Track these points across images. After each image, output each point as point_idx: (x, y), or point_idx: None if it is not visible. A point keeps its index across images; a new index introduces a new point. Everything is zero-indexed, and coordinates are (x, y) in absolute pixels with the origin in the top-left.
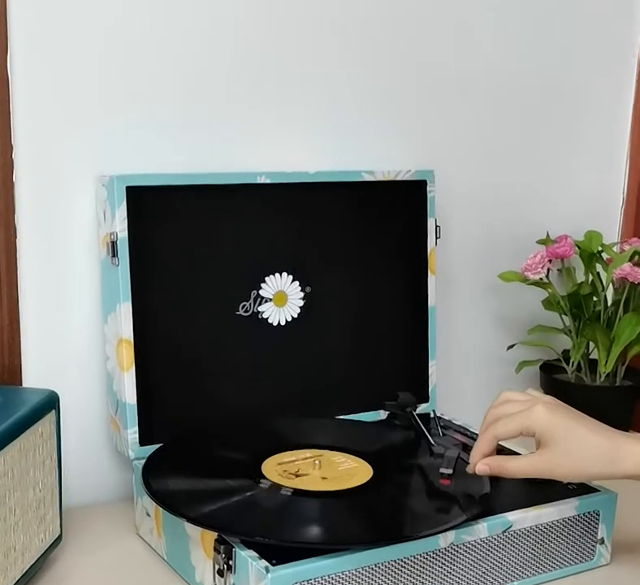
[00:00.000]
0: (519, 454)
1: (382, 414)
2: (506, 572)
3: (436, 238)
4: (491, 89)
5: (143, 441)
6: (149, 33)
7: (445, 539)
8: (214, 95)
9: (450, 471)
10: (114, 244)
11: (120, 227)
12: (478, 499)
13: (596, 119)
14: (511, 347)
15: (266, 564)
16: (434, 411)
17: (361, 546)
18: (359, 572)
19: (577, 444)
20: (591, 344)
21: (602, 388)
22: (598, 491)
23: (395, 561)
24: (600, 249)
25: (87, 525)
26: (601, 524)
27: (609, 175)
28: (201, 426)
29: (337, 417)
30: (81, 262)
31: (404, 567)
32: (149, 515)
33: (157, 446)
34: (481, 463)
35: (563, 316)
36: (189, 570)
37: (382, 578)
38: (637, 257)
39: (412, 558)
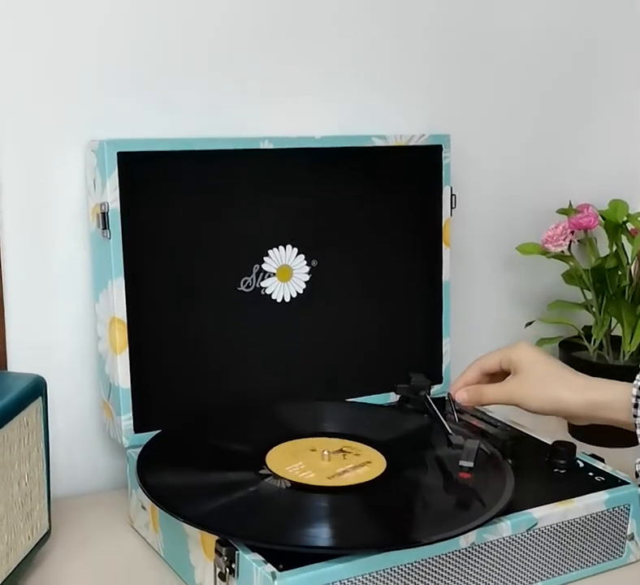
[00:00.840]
0: None
1: (393, 396)
2: (530, 572)
3: (451, 208)
4: (512, 53)
5: (138, 428)
6: None
7: (466, 540)
8: (214, 54)
9: (471, 464)
10: (104, 215)
11: (111, 196)
12: (501, 494)
13: (619, 85)
14: (529, 324)
15: (273, 569)
16: (449, 394)
17: (374, 550)
18: (372, 576)
19: (549, 373)
20: (614, 321)
21: (626, 368)
22: (627, 483)
23: (411, 563)
24: (625, 219)
25: (78, 518)
26: (631, 519)
27: (632, 141)
28: (201, 412)
29: (346, 399)
30: (70, 235)
31: (422, 570)
32: (144, 509)
33: (153, 433)
34: (461, 391)
35: (585, 291)
36: (188, 570)
37: (399, 582)
38: None
39: (431, 560)
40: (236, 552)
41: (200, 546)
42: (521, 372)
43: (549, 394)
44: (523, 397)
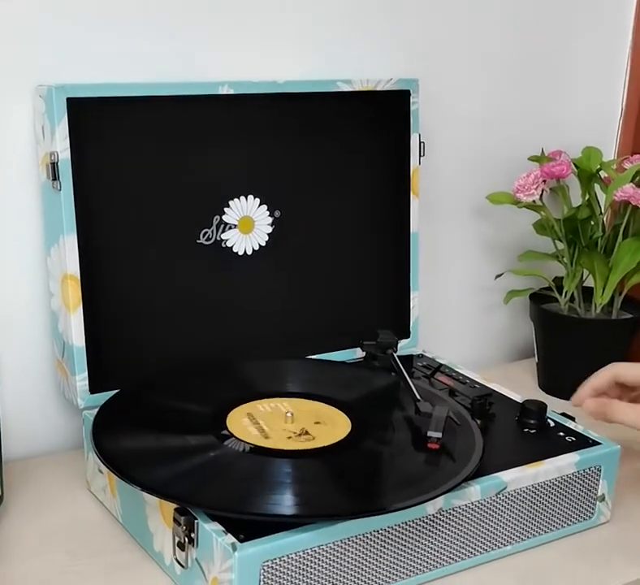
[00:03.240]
0: None
1: (358, 352)
2: (499, 536)
3: (420, 156)
4: None
5: (93, 388)
6: None
7: (434, 506)
8: None
9: (439, 435)
10: (54, 165)
11: (61, 145)
12: (470, 458)
13: (595, 29)
14: (499, 276)
15: (233, 540)
16: (422, 355)
17: (339, 518)
18: (337, 545)
19: None
20: (585, 273)
21: (597, 321)
22: (599, 444)
23: (378, 531)
24: (599, 167)
25: (33, 481)
26: (602, 480)
27: (607, 88)
28: (159, 372)
29: (310, 356)
30: (18, 186)
31: (388, 537)
32: (101, 472)
33: (109, 394)
34: (590, 400)
35: (556, 242)
36: (147, 537)
37: (364, 550)
38: (639, 178)
39: (397, 527)
40: (195, 521)
41: (158, 512)
42: None
43: None
44: None
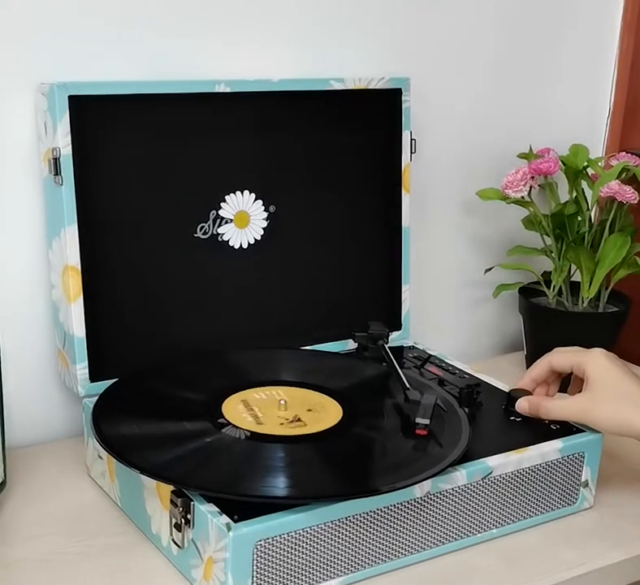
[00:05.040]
0: None
1: (350, 343)
2: (485, 520)
3: (411, 153)
4: None
5: (93, 377)
6: None
7: (421, 489)
8: None
9: (426, 421)
10: (56, 161)
11: (63, 141)
12: (457, 444)
13: (583, 27)
14: (489, 270)
15: (228, 520)
16: (413, 346)
17: (330, 500)
18: (328, 526)
19: (624, 393)
20: (573, 267)
21: (584, 314)
22: (582, 431)
23: (367, 513)
24: (586, 164)
25: (34, 467)
26: (585, 466)
27: (594, 86)
28: (157, 362)
29: (303, 347)
30: (21, 181)
31: (377, 519)
32: (101, 458)
33: (108, 382)
34: (522, 399)
35: (544, 237)
36: (145, 520)
37: (354, 531)
38: (625, 174)
39: (386, 509)
40: (191, 502)
41: (156, 496)
42: (594, 389)
43: (621, 418)
44: (593, 417)
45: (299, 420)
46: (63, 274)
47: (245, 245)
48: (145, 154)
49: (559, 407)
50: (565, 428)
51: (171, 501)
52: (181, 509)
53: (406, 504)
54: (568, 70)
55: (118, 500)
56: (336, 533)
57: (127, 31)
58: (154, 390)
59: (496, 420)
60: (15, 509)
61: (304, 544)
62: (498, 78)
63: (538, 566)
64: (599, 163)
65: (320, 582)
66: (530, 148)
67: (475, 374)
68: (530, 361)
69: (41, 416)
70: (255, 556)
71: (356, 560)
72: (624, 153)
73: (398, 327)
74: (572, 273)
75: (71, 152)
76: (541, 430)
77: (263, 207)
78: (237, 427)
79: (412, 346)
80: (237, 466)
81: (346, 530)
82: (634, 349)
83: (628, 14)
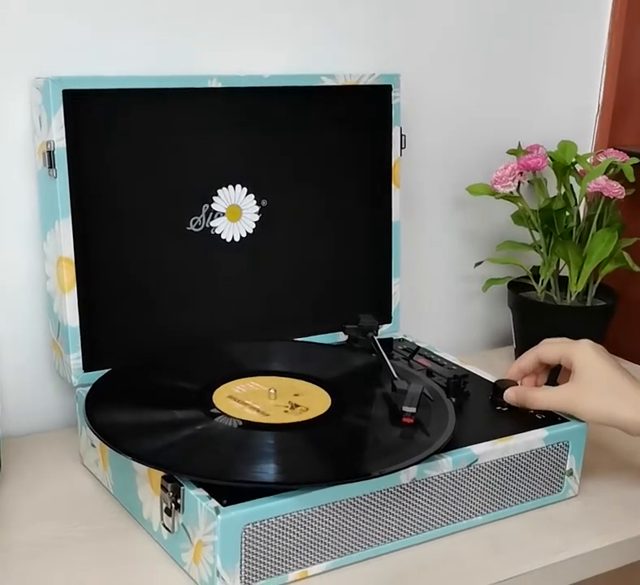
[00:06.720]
0: None
1: (342, 336)
2: (470, 507)
3: (401, 148)
4: None
5: (87, 367)
6: None
7: (407, 475)
8: None
9: (413, 410)
10: (51, 154)
11: (57, 135)
12: (443, 431)
13: (573, 24)
14: (478, 264)
15: (217, 504)
16: (403, 339)
17: (317, 485)
18: (315, 511)
19: (610, 385)
20: (561, 262)
21: (572, 308)
22: (567, 421)
23: (354, 498)
24: (574, 160)
25: (28, 456)
26: (570, 455)
27: (583, 82)
28: (149, 352)
29: (295, 339)
30: (16, 174)
31: (364, 505)
32: (94, 446)
33: (102, 372)
34: (509, 389)
35: (533, 232)
36: (136, 506)
37: (341, 516)
38: (612, 170)
39: (373, 495)
40: (181, 487)
41: (147, 482)
42: (580, 380)
43: (605, 410)
44: (578, 408)
45: (289, 409)
46: (57, 265)
47: (237, 239)
48: (139, 148)
49: (545, 397)
50: (550, 418)
51: (162, 487)
52: (171, 493)
53: (392, 490)
54: (558, 67)
55: (111, 488)
56: (323, 518)
57: (121, 27)
58: (146, 379)
59: (483, 410)
60: (10, 497)
61: (291, 529)
62: (487, 74)
63: (522, 553)
64: (588, 159)
65: (307, 566)
66: (519, 144)
67: (463, 366)
68: (520, 354)
69: (35, 405)
70: (243, 539)
71: (343, 545)
72: (612, 149)
73: (388, 320)
74: (560, 267)
75: (65, 145)
76: (526, 419)
77: (255, 201)
78: (230, 417)
79: (403, 338)
80: (227, 453)
81: (333, 516)
82: (622, 343)
83: (617, 10)
